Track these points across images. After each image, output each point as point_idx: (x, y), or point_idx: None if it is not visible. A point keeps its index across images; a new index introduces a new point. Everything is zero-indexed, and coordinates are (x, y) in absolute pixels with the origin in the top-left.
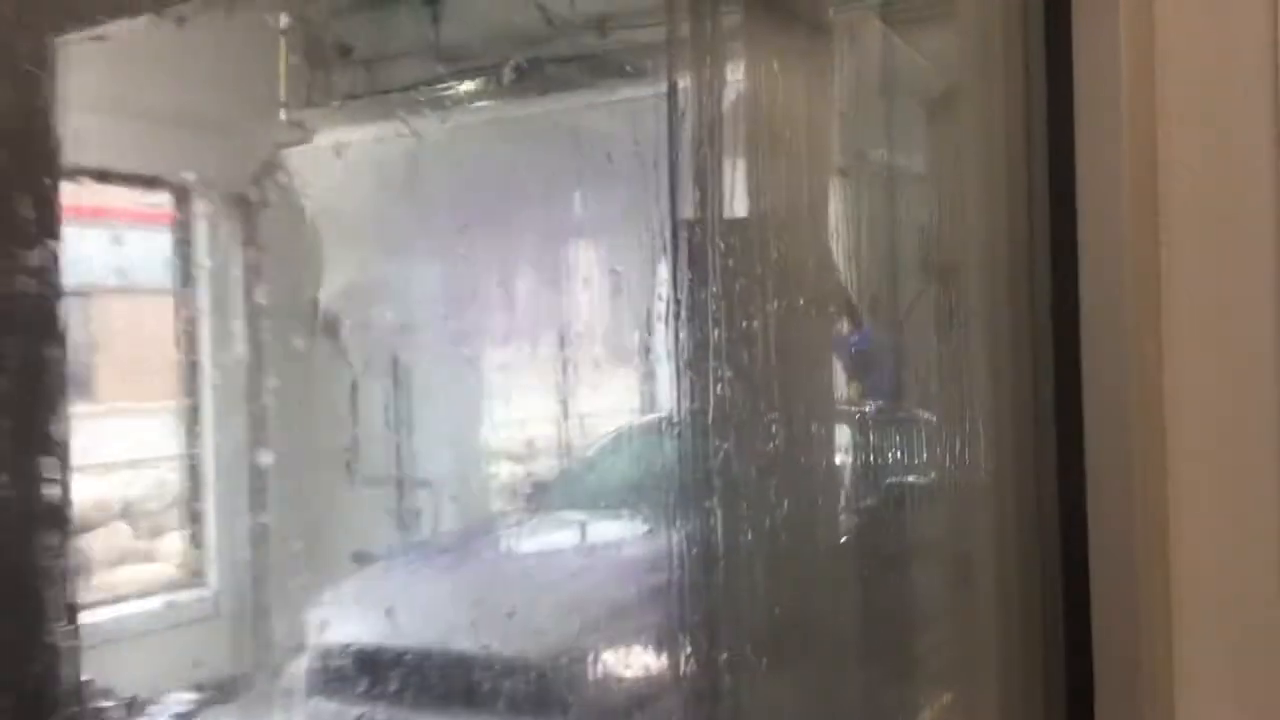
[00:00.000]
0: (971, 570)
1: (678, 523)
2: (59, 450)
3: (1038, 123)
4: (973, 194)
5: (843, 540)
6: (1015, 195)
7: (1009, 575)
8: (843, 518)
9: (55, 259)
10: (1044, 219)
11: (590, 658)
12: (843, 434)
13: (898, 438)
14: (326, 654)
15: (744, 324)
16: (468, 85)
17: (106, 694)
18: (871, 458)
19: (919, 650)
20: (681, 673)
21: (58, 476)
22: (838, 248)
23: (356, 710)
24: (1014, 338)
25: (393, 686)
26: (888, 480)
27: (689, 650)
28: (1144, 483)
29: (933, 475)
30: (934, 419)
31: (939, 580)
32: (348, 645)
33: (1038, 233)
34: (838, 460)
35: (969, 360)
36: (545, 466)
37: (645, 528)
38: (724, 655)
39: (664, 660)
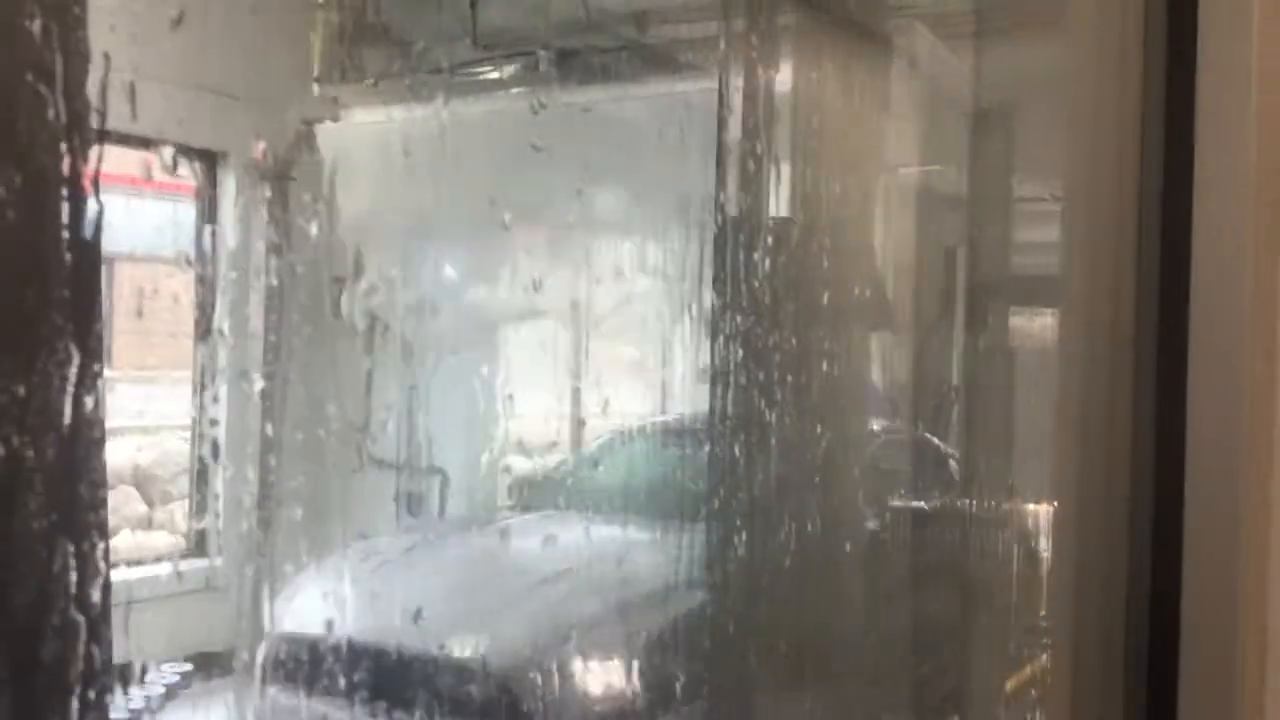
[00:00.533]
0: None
1: (686, 530)
2: (81, 410)
3: (1153, 141)
4: (1078, 217)
5: (889, 557)
6: (1124, 218)
7: (1095, 604)
8: (889, 530)
9: (83, 222)
10: (1154, 240)
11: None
12: (893, 448)
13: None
14: (277, 644)
15: (779, 328)
16: (503, 71)
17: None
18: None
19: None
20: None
21: (79, 435)
22: (878, 253)
23: (308, 703)
24: (1113, 350)
25: (331, 680)
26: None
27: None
28: (1247, 504)
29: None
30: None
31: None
32: (296, 635)
33: (1146, 250)
34: (879, 474)
35: (1066, 377)
36: (552, 463)
37: (644, 534)
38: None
39: (634, 680)
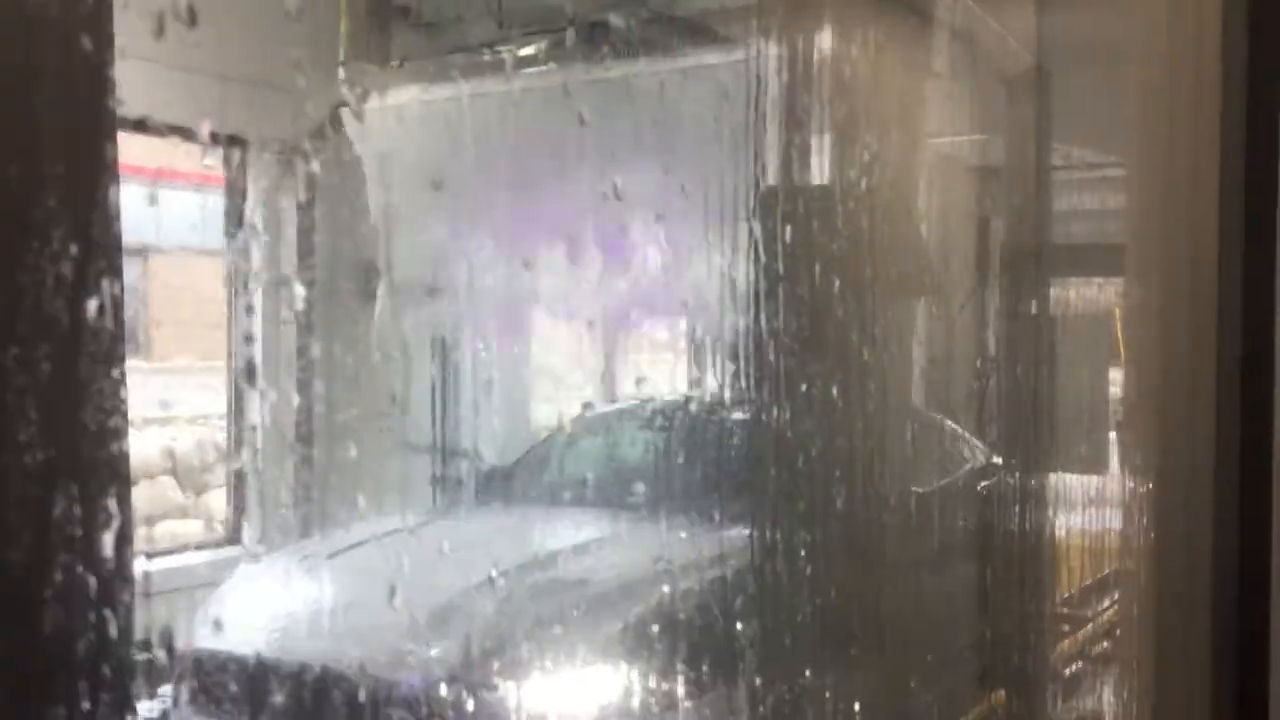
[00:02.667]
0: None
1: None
2: (113, 405)
3: (1235, 100)
4: (1160, 183)
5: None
6: (1205, 185)
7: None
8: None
9: (112, 215)
10: (1237, 210)
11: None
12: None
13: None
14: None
15: (817, 297)
16: (530, 48)
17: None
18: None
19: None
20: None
21: (112, 430)
22: (921, 224)
23: None
24: (1195, 334)
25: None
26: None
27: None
28: None
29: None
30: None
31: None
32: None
33: (1228, 223)
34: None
35: (1148, 350)
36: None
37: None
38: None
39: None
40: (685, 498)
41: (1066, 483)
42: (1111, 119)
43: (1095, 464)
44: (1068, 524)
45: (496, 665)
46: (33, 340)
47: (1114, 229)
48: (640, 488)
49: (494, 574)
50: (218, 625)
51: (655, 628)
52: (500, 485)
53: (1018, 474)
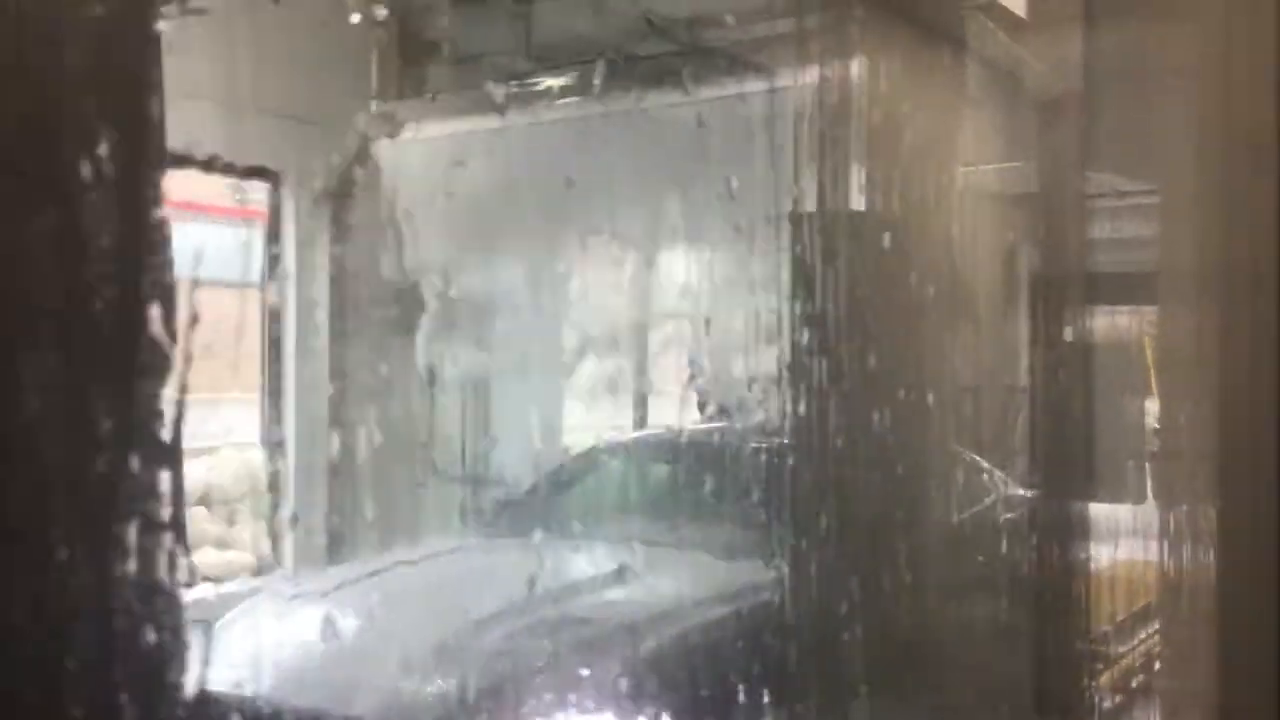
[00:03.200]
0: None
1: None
2: (150, 435)
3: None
4: (1216, 209)
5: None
6: (1265, 211)
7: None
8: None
9: (155, 247)
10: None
11: None
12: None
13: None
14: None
15: (856, 329)
16: (558, 81)
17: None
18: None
19: None
20: None
21: (149, 460)
22: (953, 250)
23: None
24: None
25: None
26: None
27: None
28: None
29: None
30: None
31: None
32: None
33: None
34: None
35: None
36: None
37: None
38: None
39: None
40: (702, 528)
41: (1103, 513)
42: (1148, 145)
43: (1130, 493)
44: (1104, 554)
45: (489, 708)
46: (88, 368)
47: (1142, 257)
48: (659, 517)
49: (491, 610)
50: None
51: (670, 665)
52: (513, 515)
53: (1051, 504)
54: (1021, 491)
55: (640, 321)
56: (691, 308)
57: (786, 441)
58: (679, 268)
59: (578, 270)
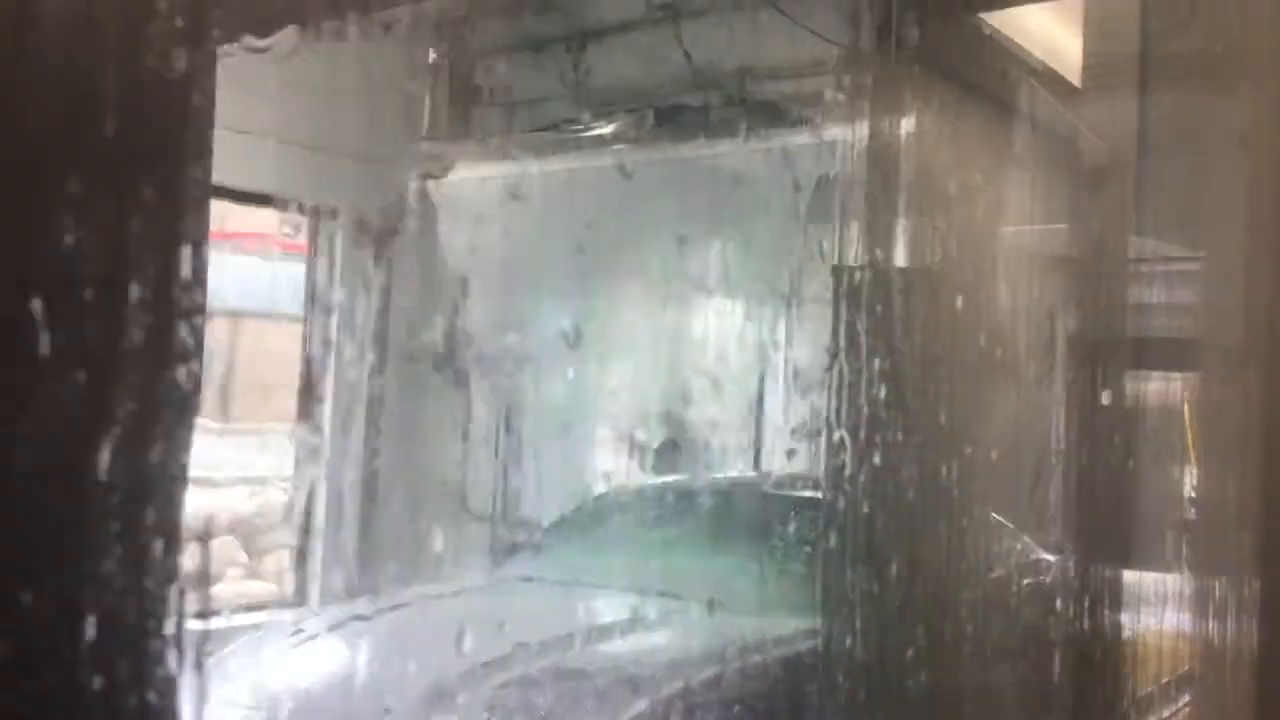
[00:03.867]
0: None
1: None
2: (181, 466)
3: None
4: (1266, 277)
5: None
6: None
7: None
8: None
9: (197, 277)
10: None
11: None
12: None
13: None
14: None
15: (892, 383)
16: (608, 128)
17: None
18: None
19: None
20: None
21: (181, 488)
22: (993, 309)
23: None
24: None
25: None
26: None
27: None
28: None
29: None
30: None
31: None
32: None
33: None
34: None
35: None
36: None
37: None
38: None
39: None
40: (712, 579)
41: (1139, 580)
42: (1196, 212)
43: (1163, 561)
44: (1142, 622)
45: None
46: (119, 395)
47: (1184, 323)
48: (672, 567)
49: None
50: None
51: None
52: (526, 557)
53: (1080, 568)
54: (1047, 556)
55: (672, 367)
56: (721, 356)
57: (812, 495)
58: (709, 317)
59: (615, 315)
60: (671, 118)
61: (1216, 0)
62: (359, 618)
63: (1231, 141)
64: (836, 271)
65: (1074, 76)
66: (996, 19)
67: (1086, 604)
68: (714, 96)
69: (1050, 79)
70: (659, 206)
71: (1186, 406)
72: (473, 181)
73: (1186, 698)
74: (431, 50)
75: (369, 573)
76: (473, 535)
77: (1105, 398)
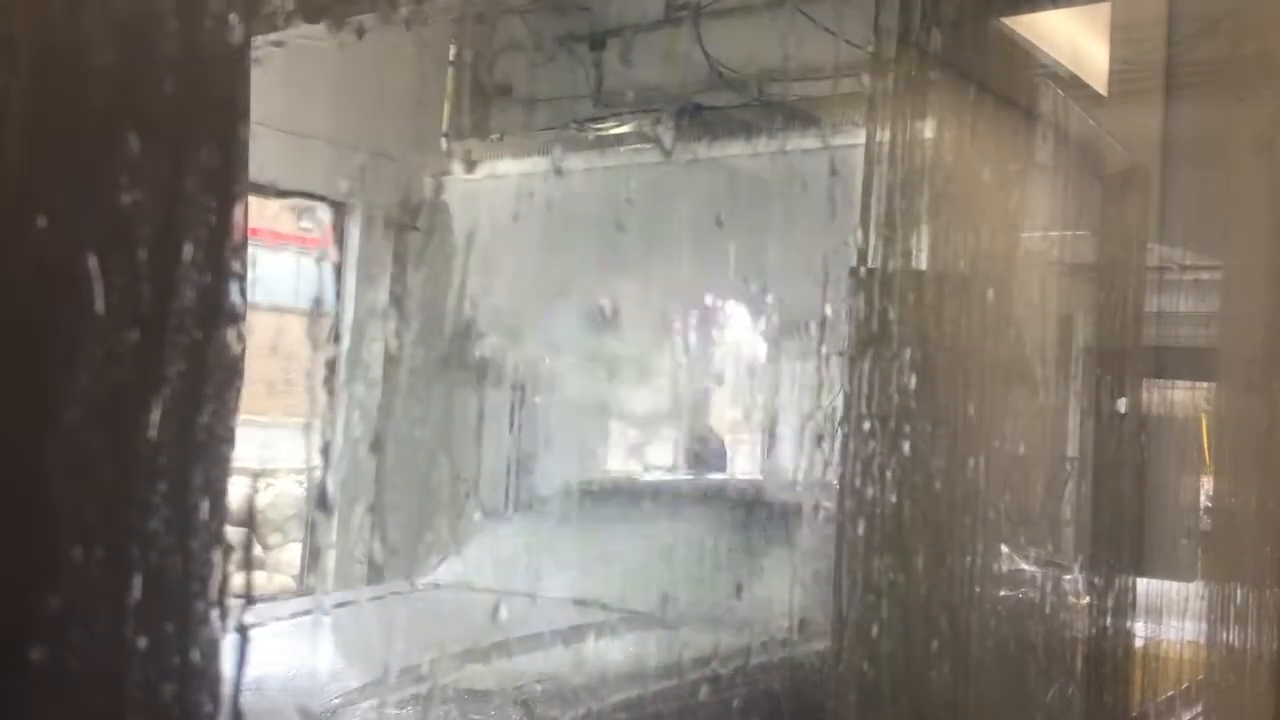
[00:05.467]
0: None
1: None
2: (229, 429)
3: None
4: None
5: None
6: None
7: None
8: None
9: (230, 271)
10: None
11: None
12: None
13: None
14: None
15: (912, 388)
16: (625, 127)
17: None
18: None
19: None
20: None
21: (229, 450)
22: (1011, 314)
23: None
24: None
25: None
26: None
27: None
28: None
29: None
30: None
31: None
32: None
33: None
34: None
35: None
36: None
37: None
38: None
39: None
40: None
41: (1154, 589)
42: (1216, 221)
43: (1179, 570)
44: (1159, 631)
45: None
46: (170, 355)
47: (1201, 332)
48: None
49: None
50: None
51: None
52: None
53: (1093, 577)
54: (1060, 564)
55: (680, 371)
56: (736, 360)
57: (807, 499)
58: (728, 319)
59: (629, 313)
60: (690, 118)
61: (1242, 10)
62: (311, 612)
63: (1255, 150)
64: (854, 273)
65: (1100, 84)
66: (1023, 26)
67: (1097, 613)
68: (732, 97)
69: (1076, 86)
70: (677, 205)
71: (1204, 415)
72: (491, 178)
73: (1199, 707)
74: (452, 47)
75: (375, 564)
76: (479, 528)
77: (1121, 405)
